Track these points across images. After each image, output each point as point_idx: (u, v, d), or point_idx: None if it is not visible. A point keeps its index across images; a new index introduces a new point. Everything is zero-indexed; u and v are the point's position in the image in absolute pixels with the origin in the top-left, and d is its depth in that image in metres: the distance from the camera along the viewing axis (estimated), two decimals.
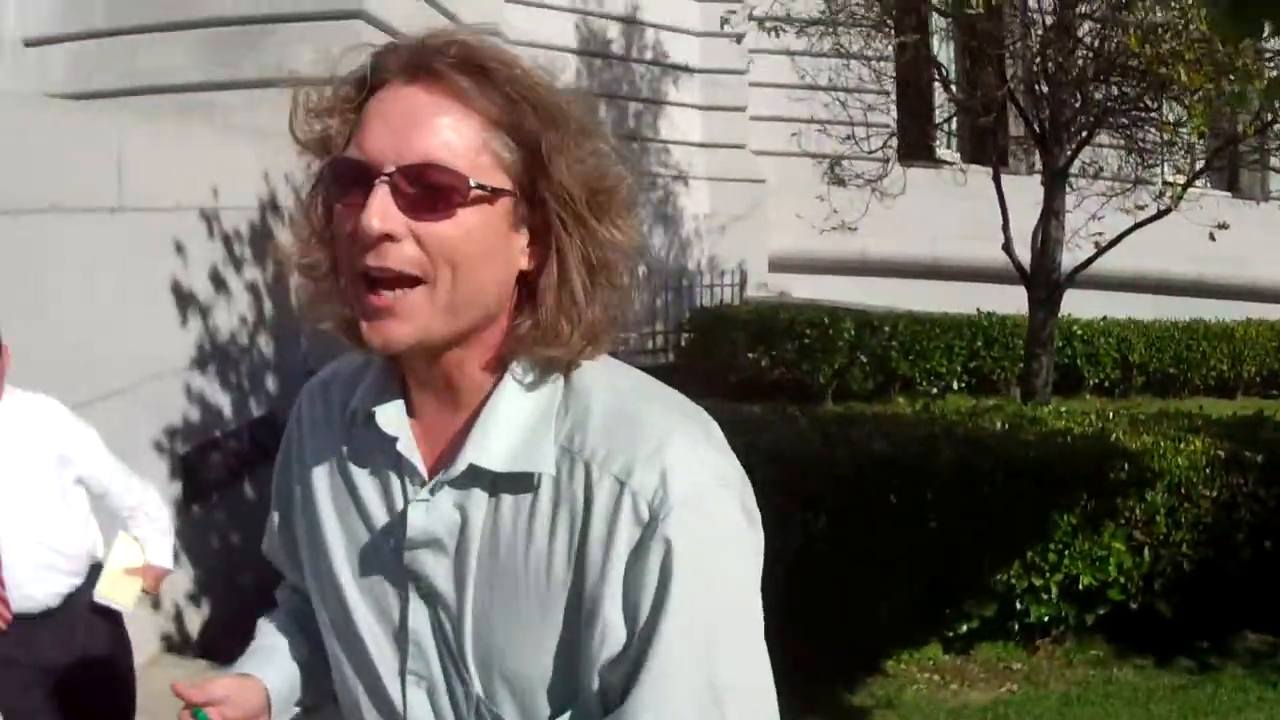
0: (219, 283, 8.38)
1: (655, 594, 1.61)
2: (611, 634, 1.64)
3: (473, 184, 1.60)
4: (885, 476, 7.95)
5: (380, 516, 1.84)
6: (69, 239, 6.75)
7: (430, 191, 1.60)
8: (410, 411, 1.82)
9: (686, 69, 18.85)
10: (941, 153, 18.41)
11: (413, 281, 1.62)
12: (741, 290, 18.54)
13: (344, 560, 1.89)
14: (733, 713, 1.64)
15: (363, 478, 1.86)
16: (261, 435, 7.92)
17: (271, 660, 2.16)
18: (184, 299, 7.96)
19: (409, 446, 1.78)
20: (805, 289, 18.86)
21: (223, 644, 7.57)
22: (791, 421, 9.61)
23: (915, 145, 16.48)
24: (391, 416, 1.80)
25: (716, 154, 19.13)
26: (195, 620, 7.96)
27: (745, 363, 15.18)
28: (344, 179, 1.65)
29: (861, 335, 15.23)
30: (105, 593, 5.20)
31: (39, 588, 5.06)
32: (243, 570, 7.99)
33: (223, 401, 8.54)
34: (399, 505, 1.80)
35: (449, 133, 1.61)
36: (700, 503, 1.64)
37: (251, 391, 8.95)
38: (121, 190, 7.24)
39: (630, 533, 1.62)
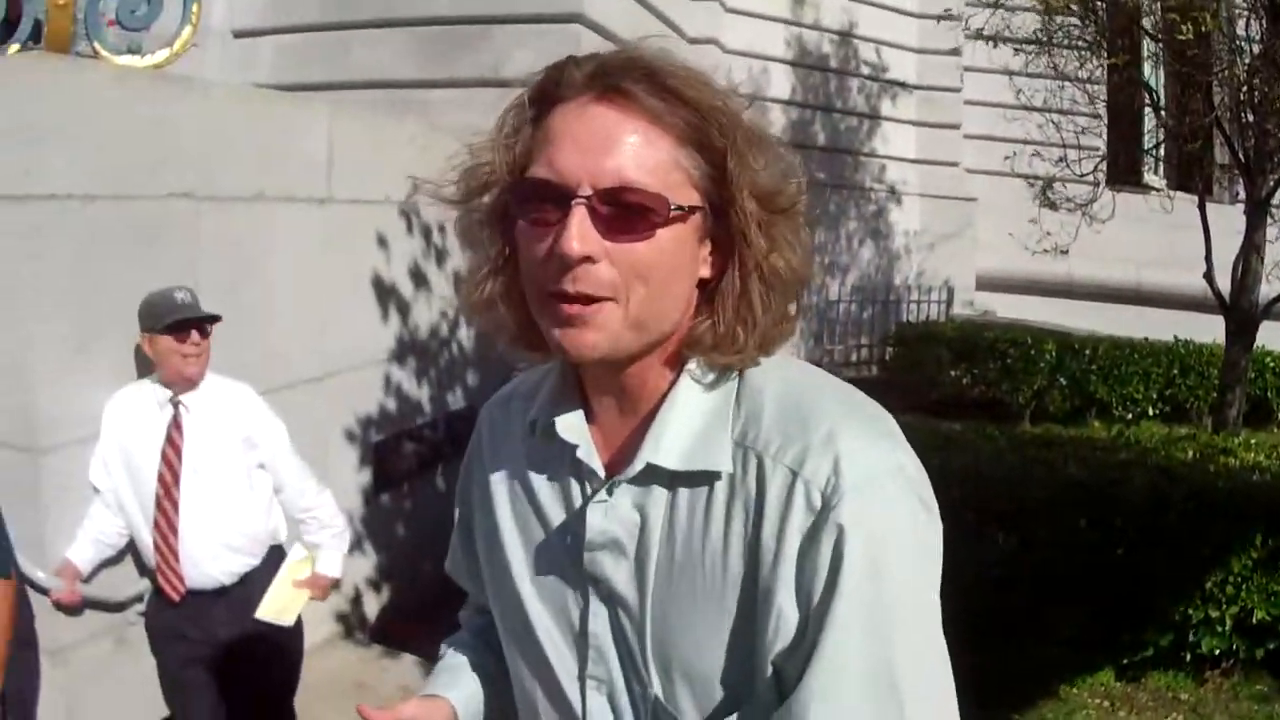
0: (420, 278, 8.42)
1: (827, 580, 1.59)
2: (785, 623, 1.63)
3: (671, 205, 1.61)
4: (1077, 500, 7.82)
5: (559, 522, 1.86)
6: (276, 228, 6.85)
7: (627, 213, 1.61)
8: (588, 418, 1.84)
9: (902, 85, 18.59)
10: (1149, 178, 18.08)
11: (606, 299, 1.63)
12: (948, 307, 18.27)
13: (524, 568, 1.92)
14: (910, 702, 1.59)
15: (543, 486, 1.90)
16: (458, 428, 7.96)
17: (457, 680, 2.20)
18: (386, 292, 8.04)
19: (589, 452, 1.80)
20: (1009, 309, 18.59)
21: (397, 630, 7.74)
22: (990, 441, 9.57)
23: (1124, 170, 16.18)
24: (571, 424, 1.83)
25: (929, 171, 18.83)
26: (373, 605, 8.03)
27: (947, 380, 15.09)
28: (535, 198, 1.66)
29: (1062, 358, 14.97)
30: (269, 611, 5.29)
31: (216, 565, 5.20)
32: (424, 559, 8.01)
33: (420, 394, 8.59)
34: (577, 509, 1.82)
35: (643, 153, 1.61)
36: (873, 490, 1.62)
37: (449, 385, 8.99)
38: (330, 182, 7.31)
39: (803, 520, 1.62)
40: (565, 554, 1.84)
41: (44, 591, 5.33)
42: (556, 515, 1.87)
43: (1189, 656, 8.02)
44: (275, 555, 5.50)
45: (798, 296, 1.78)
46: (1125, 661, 8.04)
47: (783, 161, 1.73)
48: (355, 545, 7.47)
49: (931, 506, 1.71)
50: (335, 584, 5.71)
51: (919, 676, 1.62)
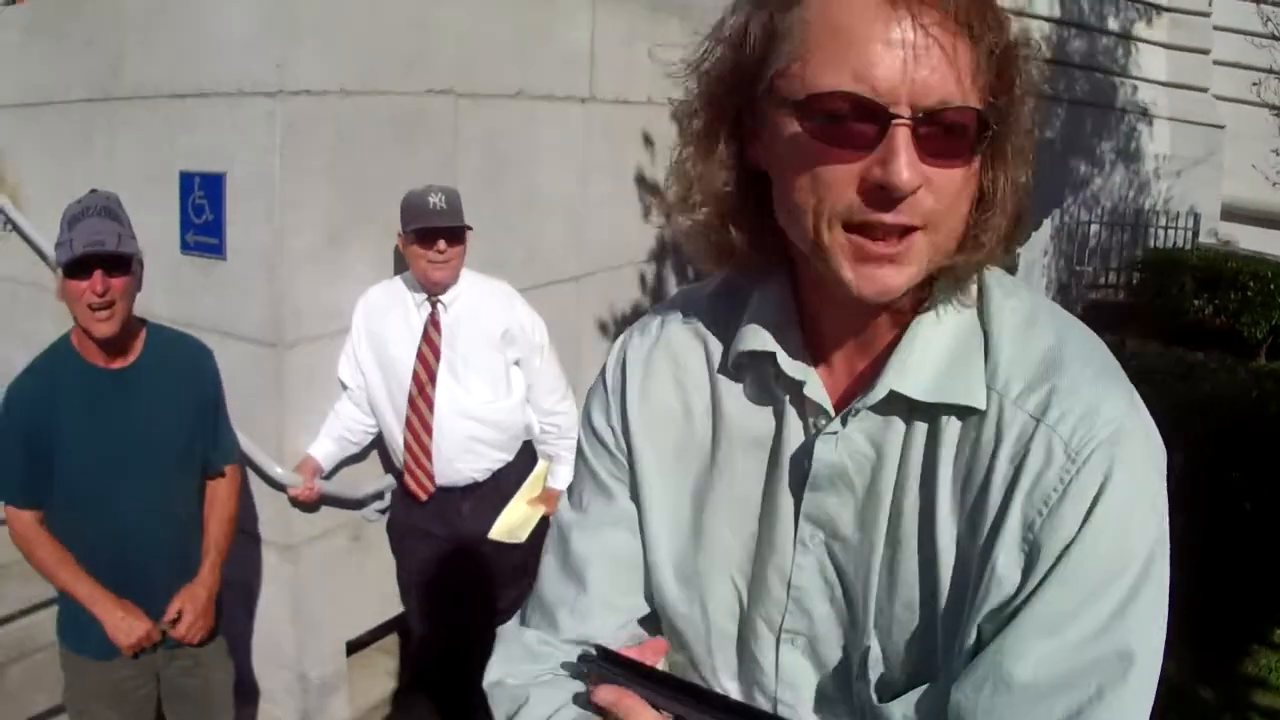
0: None
1: (1052, 544, 1.36)
2: (1000, 583, 1.39)
3: (993, 126, 1.35)
4: None
5: (765, 464, 1.60)
6: (538, 127, 6.59)
7: (949, 135, 1.32)
8: (811, 350, 1.58)
9: (1155, 6, 18.12)
10: None
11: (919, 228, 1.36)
12: (1194, 235, 17.68)
13: (711, 519, 1.65)
14: (1133, 677, 1.34)
15: (746, 421, 1.62)
16: None
17: None
18: (647, 192, 7.74)
19: (816, 388, 1.54)
20: (1253, 240, 18.01)
21: None
22: (1229, 373, 9.38)
23: None
24: (794, 357, 1.56)
25: (1179, 95, 18.31)
26: None
27: (1190, 308, 14.60)
28: (835, 113, 1.32)
29: None
30: (501, 530, 5.18)
31: (470, 463, 5.12)
32: None
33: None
34: (796, 445, 1.56)
35: (962, 65, 1.32)
36: (1123, 450, 1.37)
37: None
38: (593, 82, 7.04)
39: (1038, 473, 1.38)
40: (774, 497, 1.59)
41: (281, 487, 5.21)
42: (759, 455, 1.60)
43: None
44: (528, 452, 5.39)
45: (1031, 192, 1.48)
46: None
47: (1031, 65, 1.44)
48: None
49: (1165, 477, 1.44)
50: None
51: (1147, 648, 1.37)
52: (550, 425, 5.40)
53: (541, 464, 5.40)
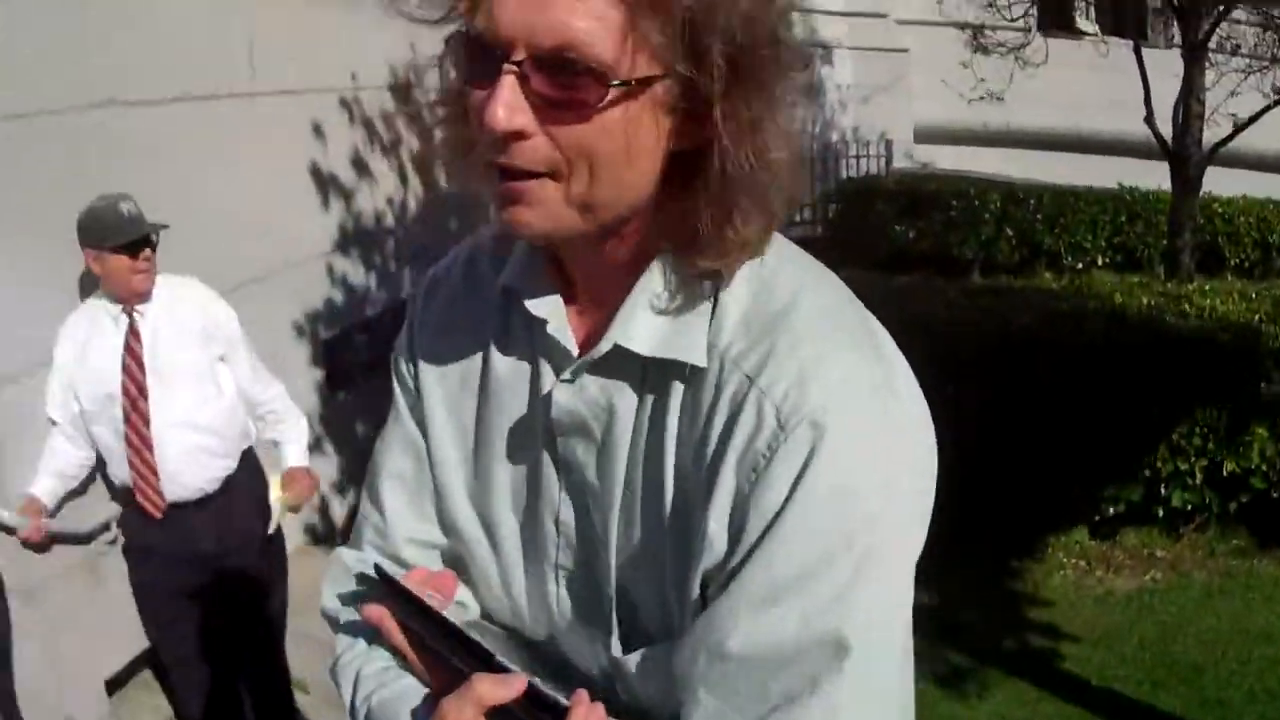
0: (359, 166, 8.11)
1: (760, 511, 1.32)
2: (711, 546, 1.37)
3: (615, 80, 1.27)
4: (1032, 351, 7.71)
5: (527, 400, 1.59)
6: (204, 126, 6.49)
7: (566, 85, 1.27)
8: (566, 295, 1.55)
9: None
10: (1081, 23, 17.97)
11: (542, 174, 1.33)
12: (888, 163, 18.05)
13: (490, 452, 1.64)
14: (849, 668, 1.30)
15: (513, 359, 1.62)
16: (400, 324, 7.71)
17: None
18: (323, 183, 7.70)
19: (560, 328, 1.51)
20: (950, 161, 18.38)
21: None
22: (940, 294, 9.46)
23: (1056, 16, 16.09)
24: (541, 296, 1.54)
25: (859, 23, 18.39)
26: (339, 511, 7.84)
27: (893, 235, 14.84)
28: (471, 56, 1.35)
29: (1007, 208, 14.83)
30: (276, 520, 5.24)
31: (195, 474, 5.00)
32: None
33: (365, 286, 8.31)
34: (548, 388, 1.54)
35: (589, 13, 1.25)
36: (840, 419, 1.31)
37: (395, 276, 8.73)
38: (254, 75, 6.97)
39: (749, 436, 1.34)
40: (536, 436, 1.58)
41: (10, 531, 5.07)
42: (523, 394, 1.59)
43: (1162, 512, 7.93)
44: (250, 458, 5.30)
45: (792, 181, 1.39)
46: (1097, 519, 7.94)
47: (763, 15, 1.31)
48: (315, 447, 7.27)
49: (925, 442, 1.41)
50: (311, 478, 5.52)
51: (868, 639, 1.33)
52: (268, 412, 5.37)
53: (272, 469, 5.37)
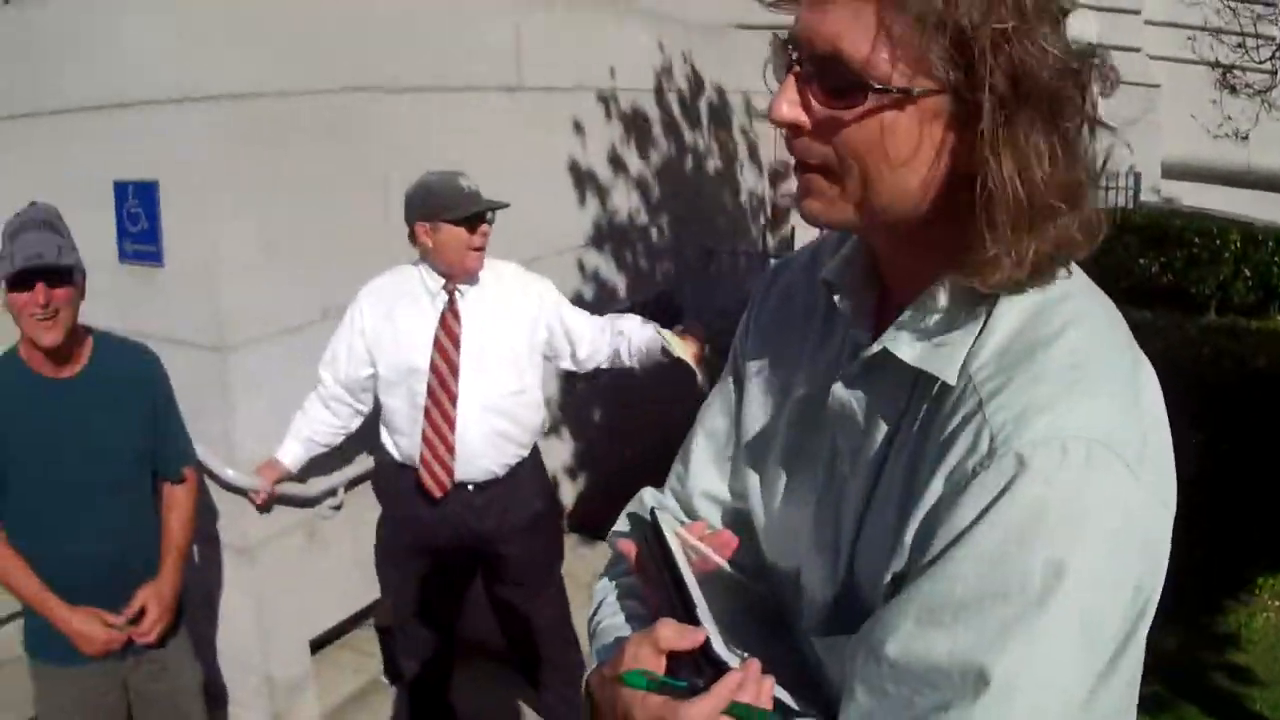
0: (616, 163, 8.13)
1: (948, 528, 1.34)
2: (902, 551, 1.41)
3: (876, 85, 1.34)
4: (1267, 391, 7.52)
5: (824, 388, 1.66)
6: (468, 118, 6.56)
7: (834, 87, 1.38)
8: (879, 290, 1.65)
9: None
10: None
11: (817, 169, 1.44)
12: (1135, 195, 17.60)
13: (788, 429, 1.77)
14: (983, 704, 1.28)
15: (825, 347, 1.74)
16: (656, 315, 7.68)
17: None
18: (581, 178, 7.77)
19: (855, 325, 1.64)
20: (1193, 198, 18.15)
21: (590, 520, 7.57)
22: (1177, 329, 9.32)
23: None
24: (848, 291, 1.64)
25: (1111, 56, 17.97)
26: (569, 493, 7.85)
27: (1137, 269, 14.52)
28: (775, 54, 1.48)
29: (1246, 248, 14.43)
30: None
31: (491, 458, 4.97)
32: (621, 445, 7.84)
33: (616, 281, 8.34)
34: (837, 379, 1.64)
35: (865, 23, 1.34)
36: (1045, 461, 1.29)
37: (647, 272, 8.69)
38: (520, 70, 7.03)
39: (962, 456, 1.36)
40: (819, 423, 1.68)
41: (239, 490, 5.18)
42: (824, 383, 1.66)
43: None
44: (536, 451, 5.27)
45: (1084, 209, 1.42)
46: None
47: (1058, 43, 1.36)
48: (553, 431, 7.40)
49: (1158, 491, 1.37)
50: (696, 329, 5.45)
51: (1015, 682, 1.29)
52: (616, 333, 5.28)
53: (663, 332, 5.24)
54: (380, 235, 5.40)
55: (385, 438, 5.09)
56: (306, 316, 5.44)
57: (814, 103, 1.40)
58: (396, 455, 5.05)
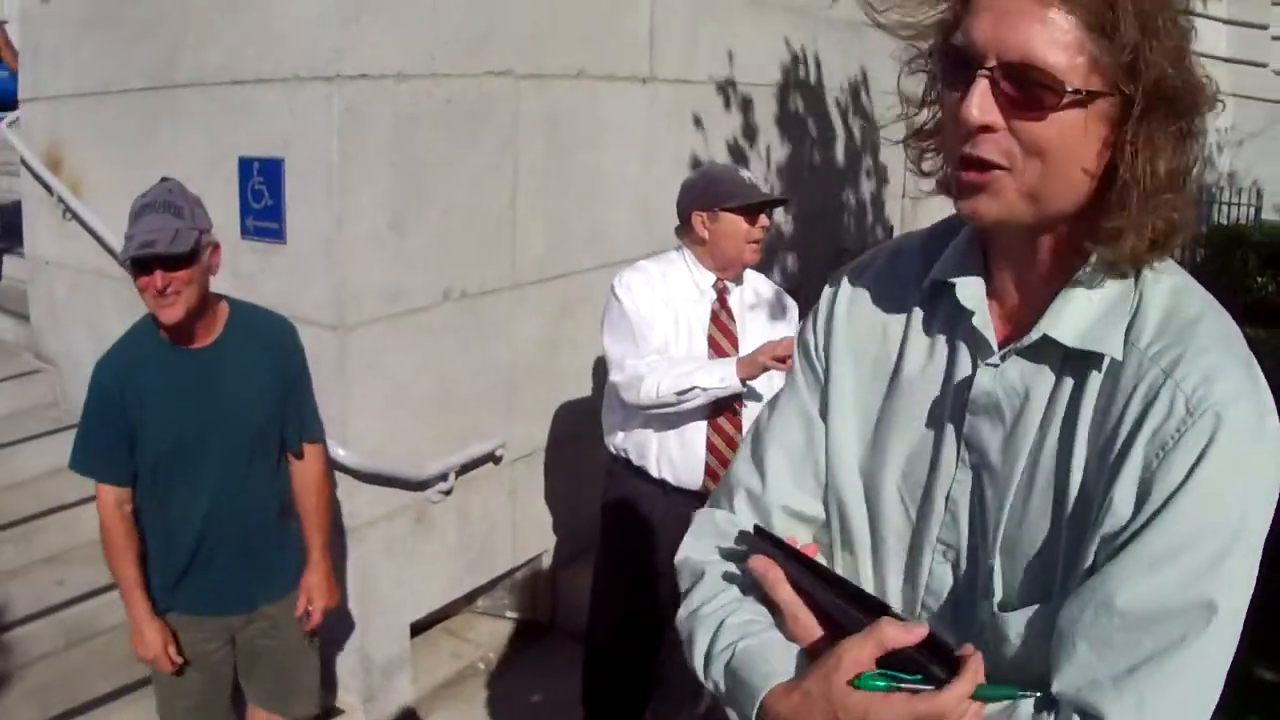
0: (745, 157, 7.98)
1: (1164, 484, 1.49)
2: (1114, 513, 1.53)
3: (1069, 89, 1.50)
4: None
5: (939, 384, 1.80)
6: (599, 107, 6.49)
7: (1027, 90, 1.51)
8: (988, 286, 1.77)
9: None
10: None
11: (1002, 167, 1.56)
12: (1257, 211, 17.43)
13: (887, 428, 1.85)
14: (1214, 627, 1.48)
15: (929, 346, 1.83)
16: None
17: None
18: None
19: (984, 321, 1.74)
20: None
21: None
22: None
23: None
24: (970, 290, 1.76)
25: (1239, 70, 17.88)
26: None
27: (1253, 286, 14.37)
28: (951, 65, 1.59)
29: None
30: None
31: None
32: None
33: None
34: (964, 373, 1.75)
35: (1050, 33, 1.50)
36: (1232, 416, 1.49)
37: (773, 266, 8.49)
38: (653, 62, 6.92)
39: (1160, 421, 1.52)
40: (942, 417, 1.78)
41: (345, 470, 5.16)
42: (935, 378, 1.80)
43: None
44: None
45: (1194, 193, 1.62)
46: None
47: (1189, 49, 1.56)
48: None
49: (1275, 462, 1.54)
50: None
51: (1230, 604, 1.49)
52: None
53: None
54: (506, 221, 5.35)
55: (644, 456, 4.76)
56: (428, 299, 5.40)
57: (1001, 103, 1.52)
58: (657, 472, 4.72)
